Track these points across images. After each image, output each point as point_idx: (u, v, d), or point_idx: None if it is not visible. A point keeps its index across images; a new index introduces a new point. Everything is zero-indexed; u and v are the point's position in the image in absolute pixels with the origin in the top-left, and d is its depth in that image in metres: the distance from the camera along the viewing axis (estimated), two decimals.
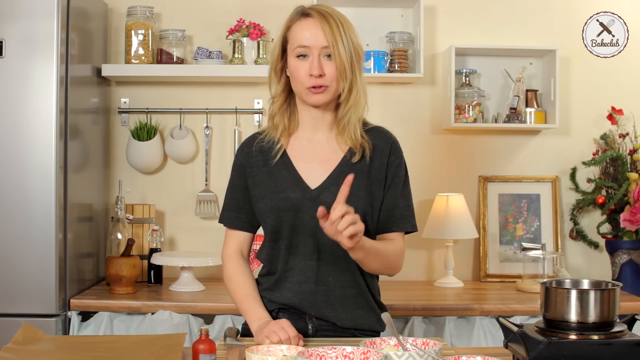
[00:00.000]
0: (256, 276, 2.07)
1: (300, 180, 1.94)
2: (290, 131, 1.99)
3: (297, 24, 1.91)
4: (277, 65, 1.96)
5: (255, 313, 1.93)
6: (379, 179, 1.96)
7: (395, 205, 1.97)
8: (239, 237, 2.04)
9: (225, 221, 2.05)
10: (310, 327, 1.95)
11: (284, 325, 1.81)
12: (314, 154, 1.97)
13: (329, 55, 1.88)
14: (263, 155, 1.98)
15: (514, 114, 3.31)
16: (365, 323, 1.97)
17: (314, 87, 1.89)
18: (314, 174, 1.94)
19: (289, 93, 1.99)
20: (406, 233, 2.01)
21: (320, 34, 1.87)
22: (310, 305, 1.94)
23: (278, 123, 1.98)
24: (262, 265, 2.05)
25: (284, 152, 1.97)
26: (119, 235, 3.08)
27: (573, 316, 1.60)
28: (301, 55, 1.89)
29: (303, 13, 1.92)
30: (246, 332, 2.02)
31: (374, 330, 1.99)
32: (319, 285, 1.93)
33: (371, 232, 1.96)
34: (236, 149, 3.31)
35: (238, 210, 2.01)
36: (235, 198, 2.02)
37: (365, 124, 1.99)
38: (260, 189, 1.96)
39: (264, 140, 2.00)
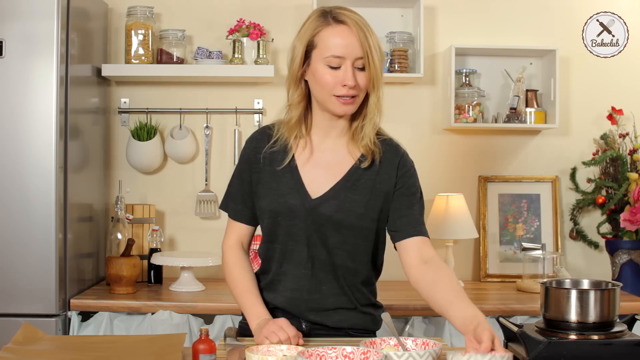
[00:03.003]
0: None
1: (302, 187, 1.90)
2: (304, 134, 1.94)
3: (329, 30, 1.83)
4: (298, 71, 1.88)
5: (255, 310, 1.92)
6: (385, 191, 1.92)
7: (412, 212, 1.93)
8: (242, 230, 2.02)
9: (230, 212, 2.02)
10: (304, 326, 1.95)
11: (283, 325, 1.80)
12: (321, 160, 1.93)
13: (361, 66, 1.83)
14: (271, 155, 1.94)
15: (514, 114, 3.31)
16: (358, 323, 1.97)
17: (342, 97, 1.84)
18: (317, 183, 1.91)
19: (307, 100, 1.93)
20: None
21: (356, 44, 1.81)
22: (302, 312, 1.94)
23: (293, 128, 1.93)
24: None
25: (292, 156, 1.93)
26: (119, 235, 3.08)
27: (573, 316, 1.60)
28: (333, 65, 1.83)
29: (335, 19, 1.84)
30: (246, 332, 2.01)
31: (368, 329, 1.99)
32: (311, 294, 1.92)
33: (368, 244, 1.94)
34: (236, 148, 3.32)
35: (244, 204, 1.99)
36: (241, 191, 1.98)
37: (378, 133, 1.94)
38: (262, 188, 1.95)
39: (275, 140, 1.95)
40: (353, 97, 1.84)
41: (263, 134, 1.99)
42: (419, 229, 1.93)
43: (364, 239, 1.92)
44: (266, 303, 1.96)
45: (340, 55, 1.82)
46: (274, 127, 1.98)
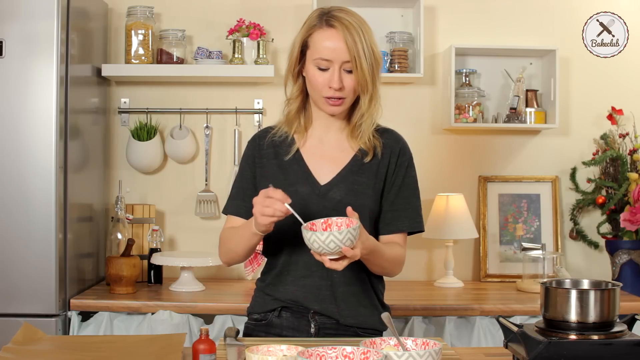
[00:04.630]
0: (258, 275, 2.07)
1: (310, 175, 1.96)
2: (304, 129, 2.01)
3: (319, 33, 1.90)
4: (294, 68, 1.96)
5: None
6: (385, 175, 1.98)
7: (407, 205, 1.99)
8: (239, 223, 2.01)
9: (229, 210, 2.03)
10: (312, 326, 1.96)
11: (264, 198, 1.76)
12: (325, 152, 1.99)
13: (349, 69, 1.89)
14: (274, 149, 2.00)
15: (514, 114, 3.31)
16: (367, 321, 1.98)
17: (330, 98, 1.91)
18: (323, 171, 1.97)
19: (305, 94, 2.00)
20: (415, 233, 2.03)
21: (343, 48, 1.86)
22: (314, 299, 1.95)
23: (293, 122, 2.00)
24: (261, 264, 2.06)
25: (296, 148, 1.99)
26: (119, 235, 3.08)
27: (573, 316, 1.60)
28: (321, 67, 1.90)
29: (327, 22, 1.89)
30: (250, 332, 2.02)
31: (377, 329, 2.00)
32: (323, 280, 1.94)
33: (378, 230, 1.99)
34: (236, 148, 3.33)
35: (245, 199, 2.00)
36: (243, 187, 2.01)
37: (377, 127, 2.02)
38: (268, 181, 1.97)
39: (276, 135, 2.02)
40: (340, 98, 1.91)
41: (266, 132, 2.05)
42: (407, 225, 2.00)
43: (370, 221, 1.97)
44: (275, 301, 1.97)
45: (327, 59, 1.88)
46: (275, 126, 2.05)
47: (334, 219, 1.74)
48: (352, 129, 1.98)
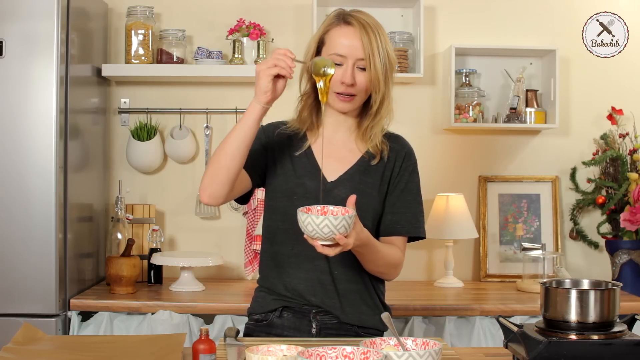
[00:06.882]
0: (257, 276, 2.07)
1: (319, 170, 1.97)
2: (315, 127, 2.02)
3: (336, 30, 1.93)
4: None
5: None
6: (390, 180, 2.00)
7: (408, 209, 2.00)
8: None
9: None
10: (314, 326, 1.96)
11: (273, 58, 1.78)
12: (332, 152, 2.00)
13: (363, 67, 1.91)
14: (286, 141, 2.02)
15: (514, 114, 3.31)
16: (369, 320, 1.98)
17: (341, 94, 1.92)
18: (331, 169, 1.98)
19: (317, 93, 1.99)
20: (415, 239, 2.03)
21: (359, 45, 1.90)
22: (317, 292, 1.95)
23: (306, 119, 2.02)
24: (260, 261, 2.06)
25: (308, 144, 2.01)
26: (119, 235, 3.08)
27: (573, 316, 1.60)
28: (336, 63, 1.91)
29: (344, 20, 1.93)
30: (247, 332, 2.02)
31: (378, 329, 2.00)
32: (325, 274, 1.95)
33: (379, 231, 2.00)
34: None
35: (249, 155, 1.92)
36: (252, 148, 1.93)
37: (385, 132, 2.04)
38: (277, 167, 1.98)
39: (288, 129, 2.03)
40: (351, 95, 1.92)
41: (278, 124, 2.06)
42: (406, 230, 2.00)
43: (373, 221, 1.97)
44: (276, 300, 1.97)
45: (342, 54, 1.91)
46: (287, 122, 2.06)
47: (331, 207, 1.75)
48: (363, 132, 1.99)
